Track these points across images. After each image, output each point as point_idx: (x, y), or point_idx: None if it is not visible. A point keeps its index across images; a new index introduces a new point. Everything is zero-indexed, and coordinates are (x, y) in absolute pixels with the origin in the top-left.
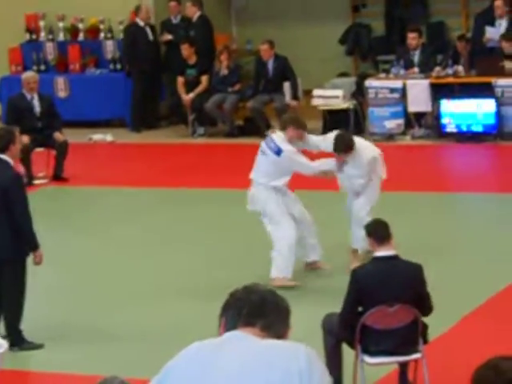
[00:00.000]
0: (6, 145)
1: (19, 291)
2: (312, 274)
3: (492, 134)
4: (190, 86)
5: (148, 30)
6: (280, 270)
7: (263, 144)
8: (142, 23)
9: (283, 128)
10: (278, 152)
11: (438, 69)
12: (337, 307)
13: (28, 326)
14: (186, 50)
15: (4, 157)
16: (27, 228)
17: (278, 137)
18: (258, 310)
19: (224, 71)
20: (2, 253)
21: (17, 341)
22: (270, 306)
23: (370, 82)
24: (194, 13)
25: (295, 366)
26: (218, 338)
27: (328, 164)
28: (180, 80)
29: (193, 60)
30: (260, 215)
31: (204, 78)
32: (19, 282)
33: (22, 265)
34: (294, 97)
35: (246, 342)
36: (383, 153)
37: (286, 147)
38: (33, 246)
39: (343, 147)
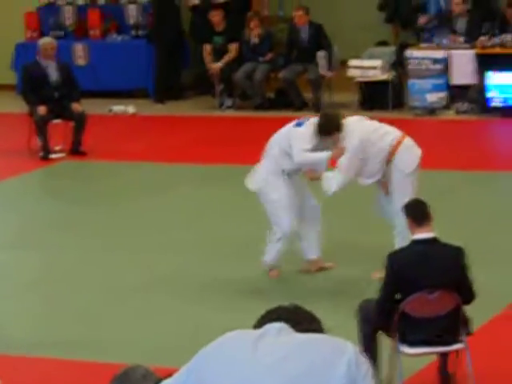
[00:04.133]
0: None
1: None
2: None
3: None
4: (218, 54)
5: None
6: None
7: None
8: None
9: (331, 133)
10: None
11: (483, 38)
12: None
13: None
14: (215, 17)
15: None
16: None
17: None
18: (292, 315)
19: (254, 39)
20: None
21: None
22: (303, 313)
23: (410, 52)
24: None
25: (343, 355)
26: (258, 330)
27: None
28: (207, 48)
29: (221, 27)
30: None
31: (233, 47)
32: None
33: None
34: (329, 67)
35: (288, 332)
36: (424, 128)
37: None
38: None
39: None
